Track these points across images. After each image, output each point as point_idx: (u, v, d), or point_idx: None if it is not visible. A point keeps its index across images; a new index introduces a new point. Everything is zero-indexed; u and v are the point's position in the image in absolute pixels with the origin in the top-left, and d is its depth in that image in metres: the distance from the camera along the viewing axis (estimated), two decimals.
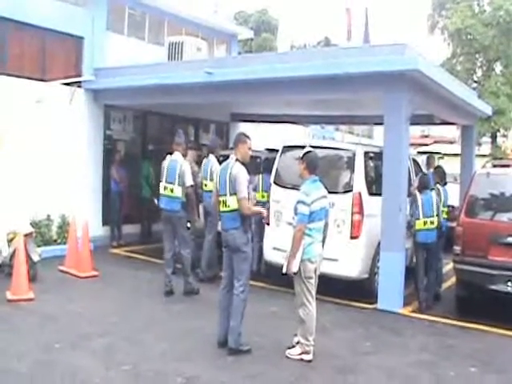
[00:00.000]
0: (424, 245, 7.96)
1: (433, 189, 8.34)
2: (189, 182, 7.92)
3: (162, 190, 8.05)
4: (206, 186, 8.85)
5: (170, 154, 8.17)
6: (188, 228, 8.17)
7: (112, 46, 11.97)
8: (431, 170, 10.04)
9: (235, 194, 5.73)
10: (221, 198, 5.88)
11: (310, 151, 5.96)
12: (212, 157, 9.04)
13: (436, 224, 7.97)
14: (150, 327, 6.62)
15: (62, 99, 10.92)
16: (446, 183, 8.91)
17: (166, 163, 8.09)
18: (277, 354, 5.85)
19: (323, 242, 5.95)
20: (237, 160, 5.87)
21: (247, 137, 6.02)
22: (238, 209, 5.75)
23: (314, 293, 5.78)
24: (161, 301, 7.81)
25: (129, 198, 12.06)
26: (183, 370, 5.36)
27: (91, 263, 8.96)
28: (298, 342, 5.83)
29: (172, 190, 7.91)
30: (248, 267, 5.90)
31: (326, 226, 5.94)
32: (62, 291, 8.01)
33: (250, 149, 5.99)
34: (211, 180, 8.58)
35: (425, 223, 7.89)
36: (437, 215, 7.98)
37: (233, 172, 5.76)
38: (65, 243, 9.82)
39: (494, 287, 7.13)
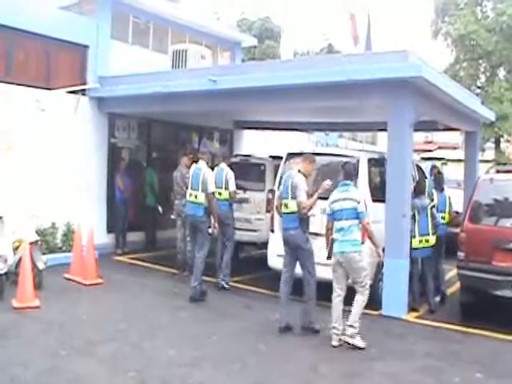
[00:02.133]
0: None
1: (433, 199, 8.38)
2: (211, 188, 8.16)
3: (187, 197, 8.37)
4: (220, 194, 8.80)
5: (196, 162, 8.52)
6: (209, 234, 8.22)
7: (116, 54, 12.02)
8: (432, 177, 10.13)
9: (295, 198, 6.64)
10: (283, 201, 6.83)
11: (346, 162, 6.95)
12: (225, 165, 9.13)
13: (432, 243, 8.09)
14: (156, 334, 6.64)
15: (66, 107, 10.98)
16: (443, 189, 8.94)
17: (191, 171, 8.44)
18: (283, 359, 5.87)
19: (373, 243, 6.62)
20: (299, 171, 6.81)
21: (314, 158, 7.01)
22: (297, 211, 6.63)
23: (335, 286, 6.51)
24: (166, 307, 7.84)
25: (133, 206, 12.09)
26: (189, 376, 5.37)
27: (96, 271, 8.99)
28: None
29: (196, 197, 8.17)
30: (313, 259, 6.76)
31: (359, 226, 6.44)
32: (68, 299, 8.04)
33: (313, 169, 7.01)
34: (226, 188, 8.72)
35: (420, 241, 8.02)
36: (433, 233, 8.10)
37: (294, 180, 6.74)
38: (70, 251, 9.87)
39: (498, 293, 7.12)
